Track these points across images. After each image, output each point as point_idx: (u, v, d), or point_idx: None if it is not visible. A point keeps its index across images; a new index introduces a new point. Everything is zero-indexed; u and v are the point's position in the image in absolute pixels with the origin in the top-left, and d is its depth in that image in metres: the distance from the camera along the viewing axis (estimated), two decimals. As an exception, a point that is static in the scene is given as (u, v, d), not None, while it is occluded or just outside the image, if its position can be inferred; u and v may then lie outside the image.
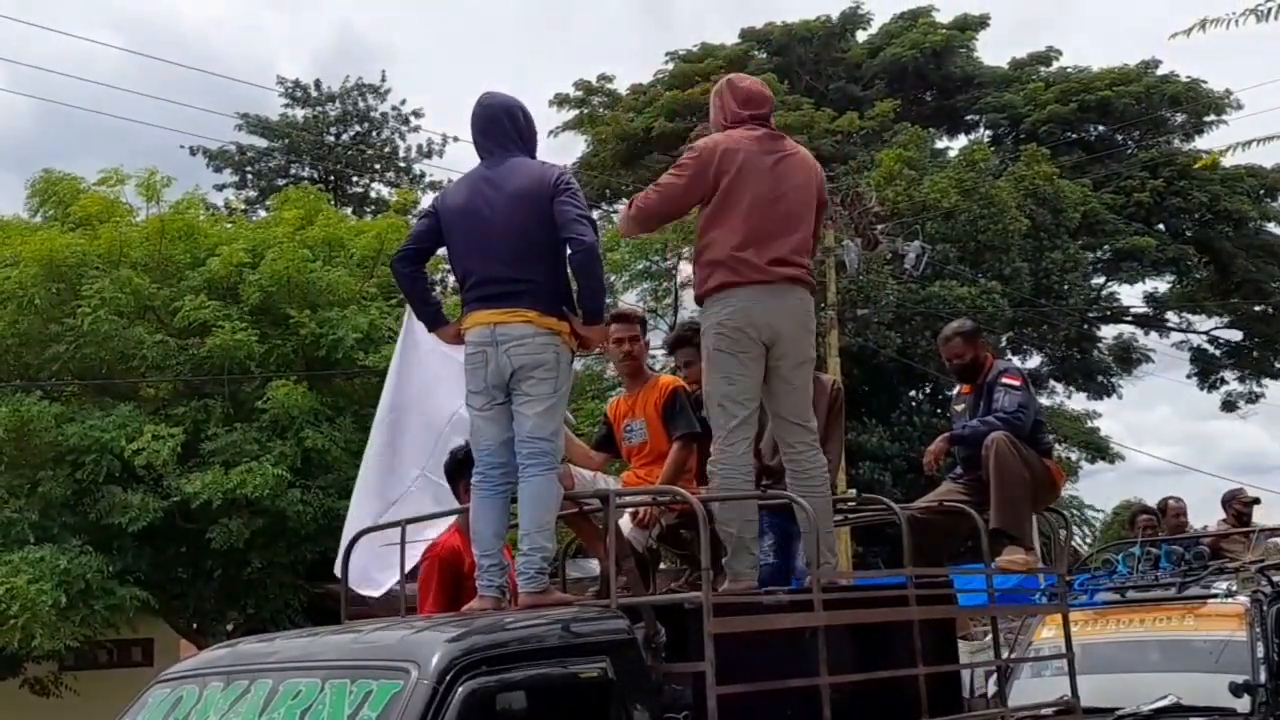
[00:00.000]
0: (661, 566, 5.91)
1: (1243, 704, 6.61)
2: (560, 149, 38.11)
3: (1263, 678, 6.74)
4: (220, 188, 31.58)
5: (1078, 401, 30.25)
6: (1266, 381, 32.10)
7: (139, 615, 14.13)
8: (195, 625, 15.11)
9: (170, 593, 14.53)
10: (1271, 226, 29.33)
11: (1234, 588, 7.33)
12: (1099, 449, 28.27)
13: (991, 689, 7.75)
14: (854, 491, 15.00)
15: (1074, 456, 27.85)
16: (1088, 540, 29.48)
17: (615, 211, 30.24)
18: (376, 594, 6.38)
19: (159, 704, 4.10)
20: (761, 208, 4.83)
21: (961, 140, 32.04)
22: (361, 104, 33.14)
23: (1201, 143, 29.77)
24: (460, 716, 3.46)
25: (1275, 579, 7.49)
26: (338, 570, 5.59)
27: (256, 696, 3.79)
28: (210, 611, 14.92)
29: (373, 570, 6.24)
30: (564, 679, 3.82)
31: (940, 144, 31.53)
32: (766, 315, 4.79)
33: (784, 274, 4.81)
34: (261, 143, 32.09)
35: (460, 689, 3.50)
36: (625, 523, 4.85)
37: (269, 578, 14.53)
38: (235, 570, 14.45)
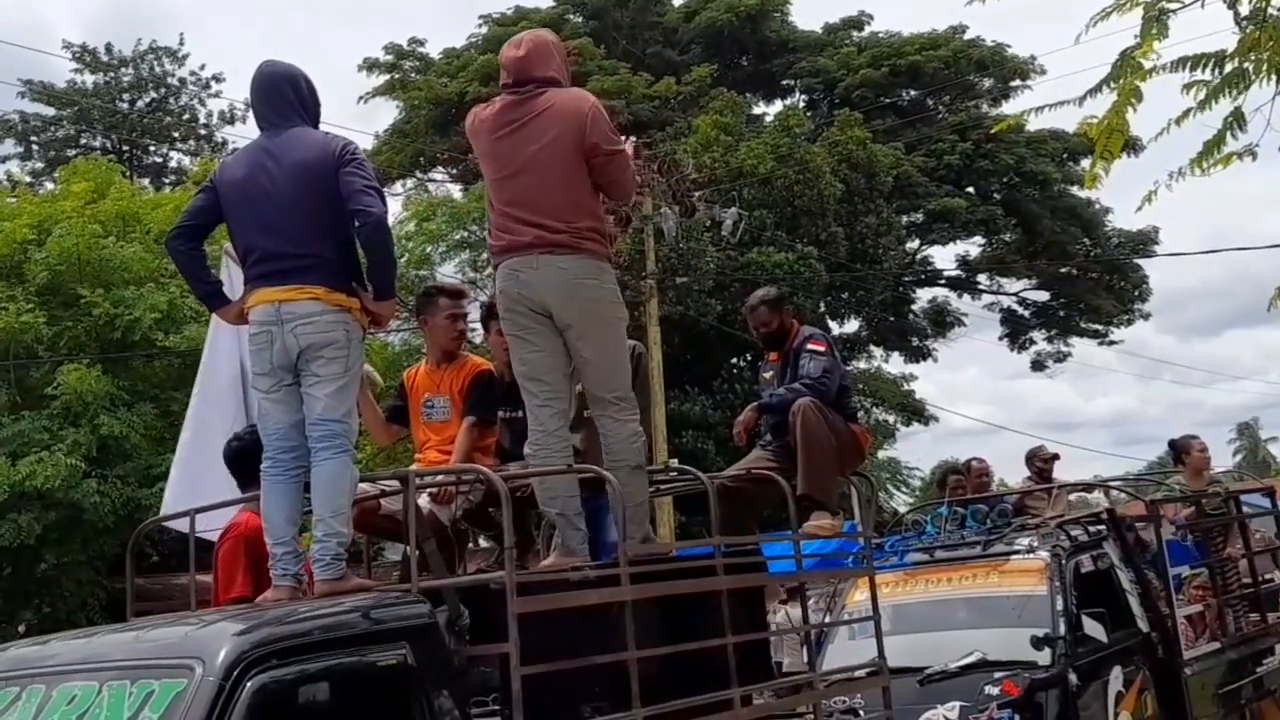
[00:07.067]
0: (484, 544, 5.82)
1: (1043, 656, 6.86)
2: (370, 115, 37.51)
3: (1062, 630, 7.02)
4: (2, 159, 30.36)
5: (895, 364, 31.23)
6: (1073, 340, 33.69)
7: (-83, 620, 13.56)
8: (-18, 629, 14.46)
9: (-47, 594, 13.93)
10: (1074, 189, 30.55)
11: (1035, 544, 7.61)
12: (915, 411, 29.21)
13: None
14: (675, 461, 15.10)
15: (891, 419, 28.74)
16: (909, 501, 30.53)
17: (430, 180, 29.80)
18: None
19: (-86, 718, 3.79)
20: (501, 183, 4.79)
21: (777, 105, 32.48)
22: (158, 69, 31.90)
23: (1008, 107, 30.99)
24: (250, 713, 3.32)
25: (1074, 534, 7.80)
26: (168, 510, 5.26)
27: (28, 705, 3.56)
28: (-1, 613, 14.33)
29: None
30: (361, 668, 3.71)
31: (757, 109, 31.94)
32: (530, 290, 4.71)
33: (533, 242, 4.68)
34: (48, 111, 30.76)
35: (249, 684, 3.36)
36: (424, 501, 4.74)
37: (64, 575, 14.07)
38: (26, 568, 13.98)
